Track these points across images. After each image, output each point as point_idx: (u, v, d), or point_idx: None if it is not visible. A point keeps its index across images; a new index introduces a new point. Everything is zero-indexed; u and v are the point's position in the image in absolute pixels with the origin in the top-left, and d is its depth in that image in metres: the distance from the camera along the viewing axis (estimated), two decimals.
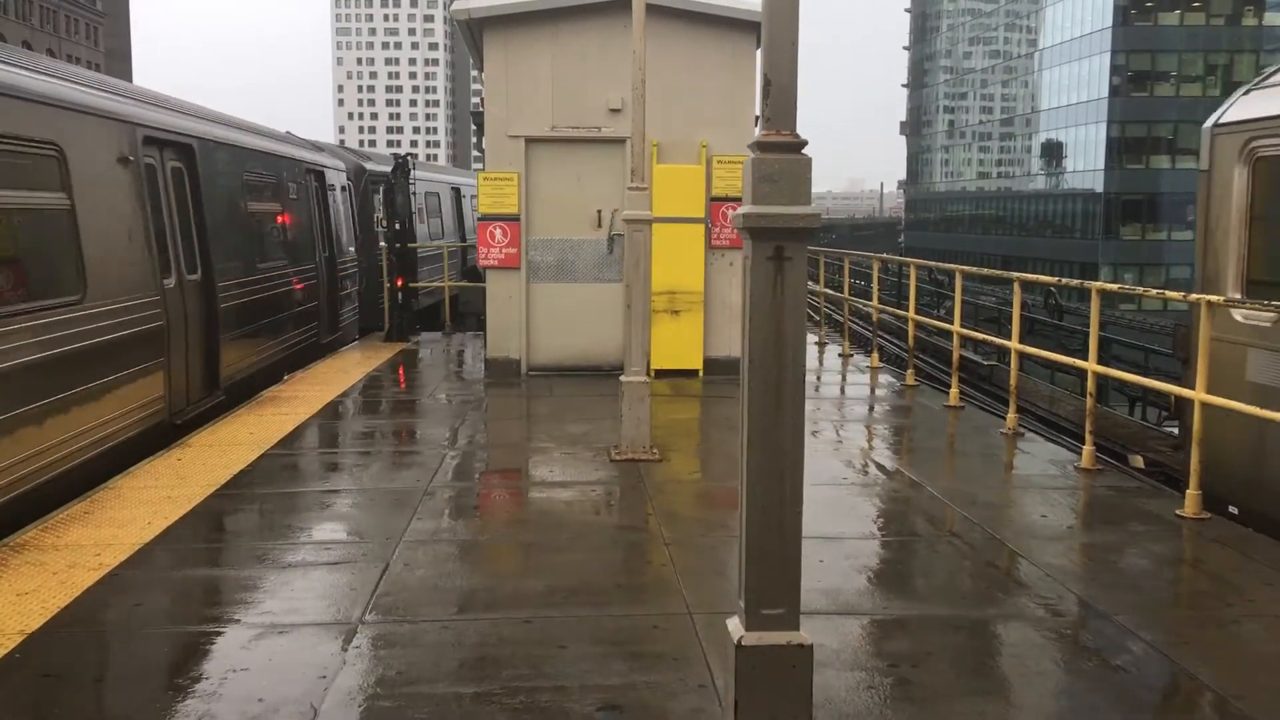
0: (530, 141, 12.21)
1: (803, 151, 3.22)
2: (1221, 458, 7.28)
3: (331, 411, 10.31)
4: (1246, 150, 7.68)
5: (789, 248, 3.21)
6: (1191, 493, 6.87)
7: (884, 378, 12.80)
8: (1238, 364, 7.36)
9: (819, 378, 12.97)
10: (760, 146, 3.20)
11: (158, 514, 6.76)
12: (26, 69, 7.93)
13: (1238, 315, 7.40)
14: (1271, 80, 7.92)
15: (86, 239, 8.13)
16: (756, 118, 12.66)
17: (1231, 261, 7.68)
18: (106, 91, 9.26)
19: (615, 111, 12.02)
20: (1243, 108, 7.94)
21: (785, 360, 3.25)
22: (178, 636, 4.90)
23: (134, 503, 7.03)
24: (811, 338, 16.30)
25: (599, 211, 12.36)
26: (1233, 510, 7.31)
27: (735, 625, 3.36)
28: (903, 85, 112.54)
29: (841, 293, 15.37)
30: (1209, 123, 8.17)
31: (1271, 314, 6.97)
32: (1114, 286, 8.17)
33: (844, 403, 11.21)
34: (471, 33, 12.59)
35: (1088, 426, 8.20)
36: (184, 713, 4.13)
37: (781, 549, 3.29)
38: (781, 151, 3.19)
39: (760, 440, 3.27)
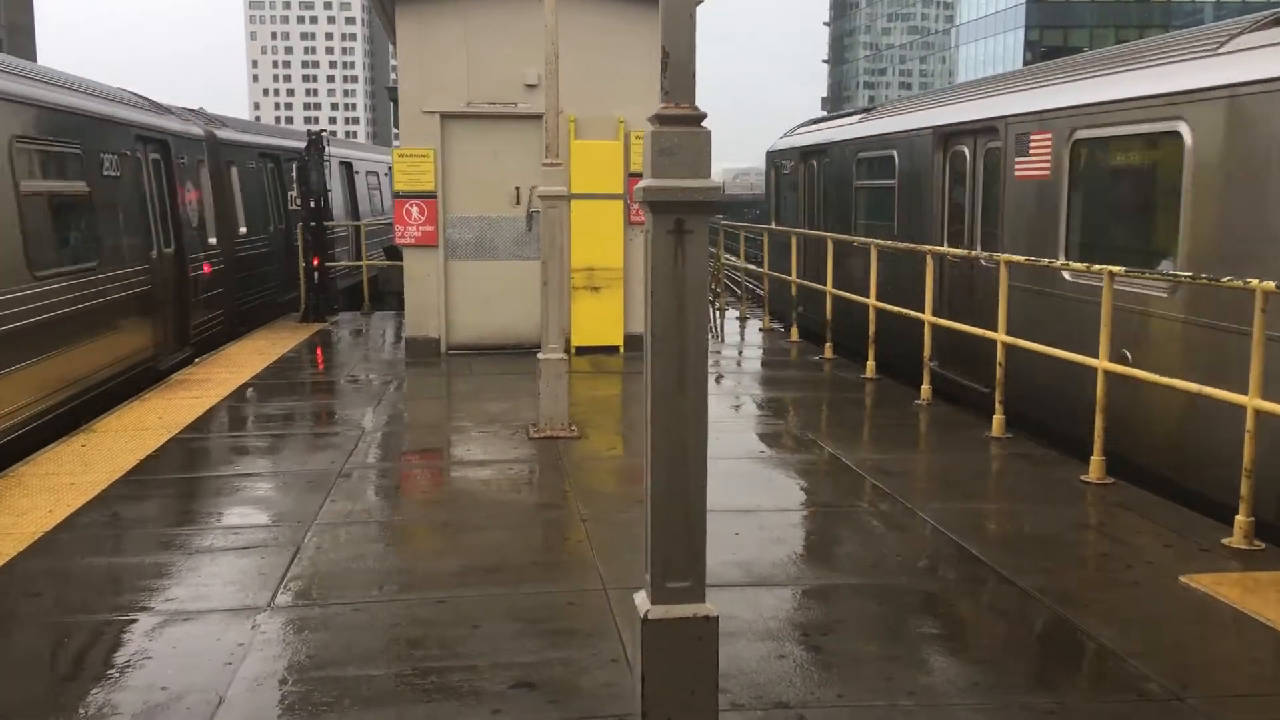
0: (446, 117, 12.04)
1: (702, 124, 3.21)
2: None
3: (244, 394, 10.11)
4: (773, 165, 17.52)
5: (689, 221, 3.20)
6: (1096, 459, 7.05)
7: (809, 355, 12.92)
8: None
9: (740, 352, 13.05)
10: (659, 120, 3.18)
11: (60, 501, 6.57)
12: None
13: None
14: (793, 130, 17.10)
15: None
16: None
17: (772, 214, 17.40)
18: (110, 100, 11.46)
19: (531, 87, 11.91)
20: (776, 143, 17.40)
21: (687, 334, 3.24)
22: (78, 626, 4.77)
23: (35, 490, 6.83)
24: (732, 313, 16.38)
25: (517, 188, 12.26)
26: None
27: (642, 599, 3.36)
28: (823, 61, 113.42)
29: (755, 265, 15.52)
30: (767, 148, 17.94)
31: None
32: (1021, 259, 8.32)
33: (757, 372, 11.29)
34: (384, 7, 12.37)
35: (998, 396, 8.36)
36: (85, 703, 4.03)
37: (686, 523, 3.29)
38: (680, 124, 3.17)
39: (663, 414, 3.26)
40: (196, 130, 14.23)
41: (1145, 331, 7.44)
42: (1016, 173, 9.34)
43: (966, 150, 10.43)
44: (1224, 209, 6.84)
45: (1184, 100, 7.20)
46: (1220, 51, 7.13)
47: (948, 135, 10.77)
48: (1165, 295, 7.27)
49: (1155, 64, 7.77)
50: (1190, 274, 6.63)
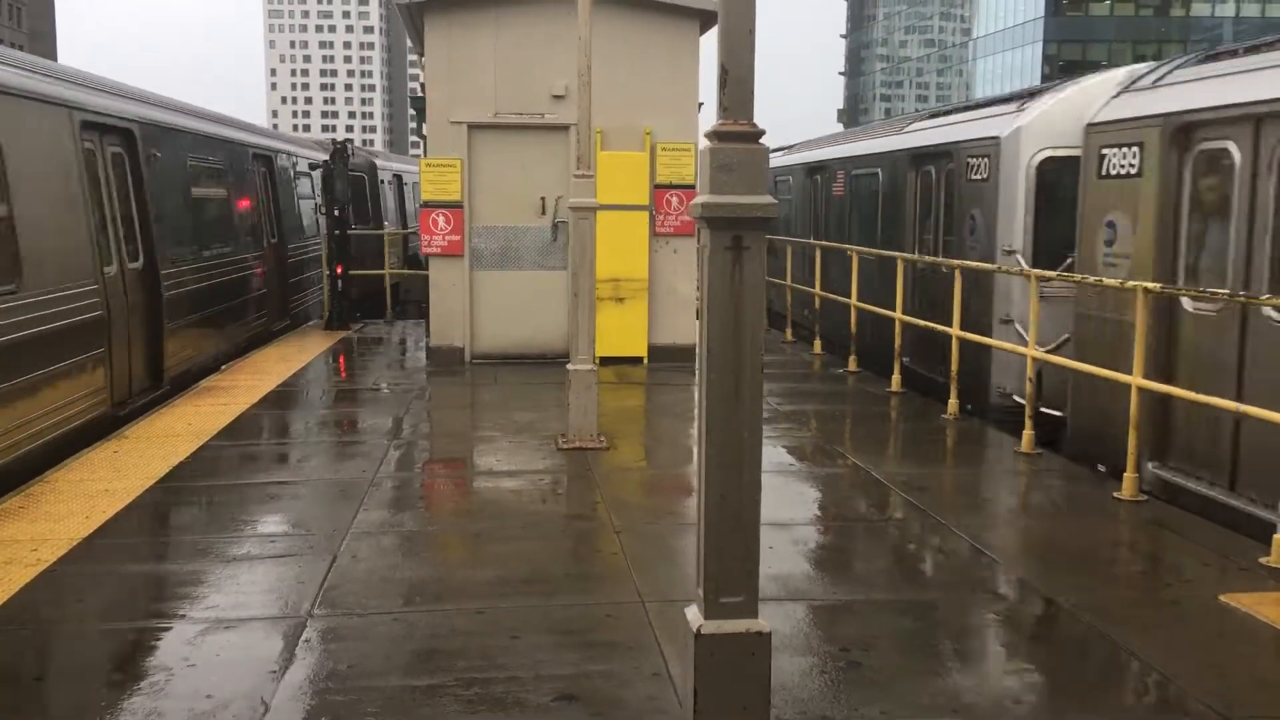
0: (473, 128, 12.09)
1: (760, 141, 3.22)
2: None
3: (272, 401, 10.16)
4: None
5: (747, 237, 3.22)
6: (1129, 476, 7.03)
7: (832, 369, 12.91)
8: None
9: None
10: (718, 136, 3.19)
11: (95, 508, 6.61)
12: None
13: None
14: (789, 147, 19.89)
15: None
16: (700, 104, 12.69)
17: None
18: (302, 144, 19.72)
19: (559, 98, 11.95)
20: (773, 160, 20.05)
21: (743, 349, 3.25)
22: (121, 633, 4.80)
23: (70, 496, 6.87)
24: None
25: (543, 199, 12.30)
26: None
27: (694, 614, 3.37)
28: (840, 73, 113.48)
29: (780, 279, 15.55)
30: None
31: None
32: (1052, 274, 8.33)
33: (781, 385, 11.29)
34: (412, 17, 12.43)
35: (1027, 412, 8.34)
36: (131, 710, 4.05)
37: (740, 537, 3.30)
38: (739, 141, 3.19)
39: (718, 429, 3.27)
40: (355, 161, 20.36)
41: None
42: (834, 193, 15.36)
43: (819, 178, 16.31)
44: (890, 216, 12.70)
45: (878, 157, 13.25)
46: (903, 130, 12.95)
47: (810, 169, 16.77)
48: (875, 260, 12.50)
49: (877, 136, 14.02)
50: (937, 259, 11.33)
